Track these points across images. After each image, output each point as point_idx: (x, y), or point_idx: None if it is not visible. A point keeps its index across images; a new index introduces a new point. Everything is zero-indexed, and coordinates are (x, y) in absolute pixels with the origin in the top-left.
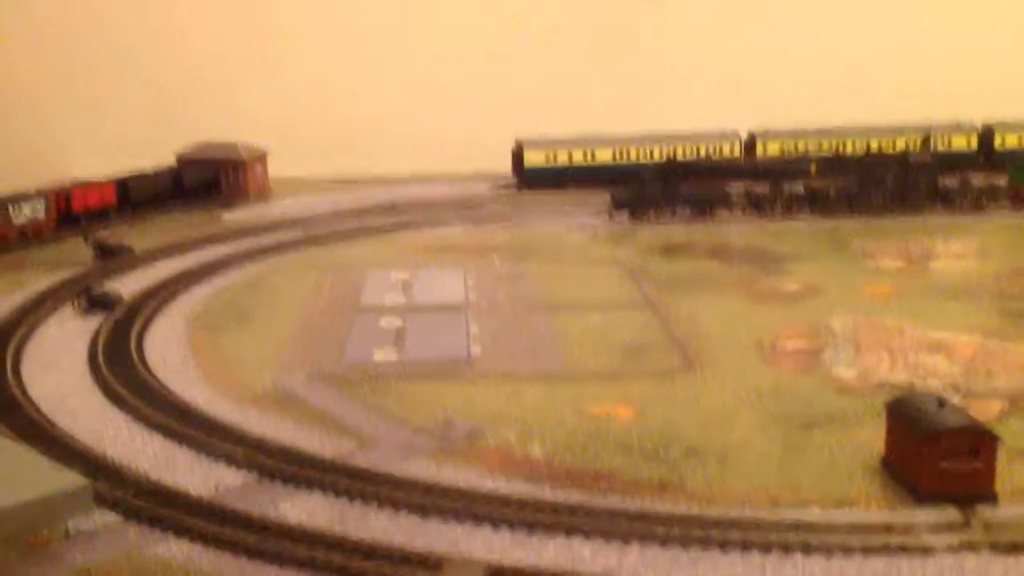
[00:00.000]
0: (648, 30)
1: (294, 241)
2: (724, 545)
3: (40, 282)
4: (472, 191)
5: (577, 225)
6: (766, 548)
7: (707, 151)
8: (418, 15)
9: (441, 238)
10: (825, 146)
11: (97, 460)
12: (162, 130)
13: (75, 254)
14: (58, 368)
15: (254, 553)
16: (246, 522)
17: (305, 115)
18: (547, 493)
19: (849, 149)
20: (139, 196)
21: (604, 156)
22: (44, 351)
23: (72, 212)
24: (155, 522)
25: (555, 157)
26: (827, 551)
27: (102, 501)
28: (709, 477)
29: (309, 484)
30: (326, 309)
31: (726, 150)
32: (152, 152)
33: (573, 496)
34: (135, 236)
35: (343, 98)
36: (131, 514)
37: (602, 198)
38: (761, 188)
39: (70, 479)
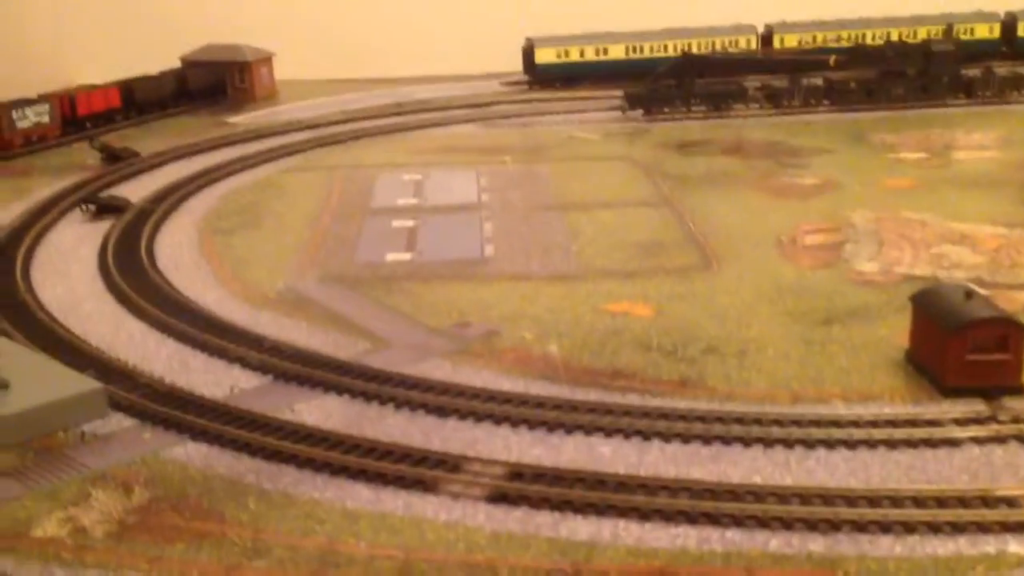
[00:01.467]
0: None
1: (302, 143)
2: (746, 440)
3: (47, 188)
4: (482, 90)
5: (590, 122)
6: (789, 443)
7: (723, 45)
8: None
9: (452, 138)
10: (845, 37)
11: (110, 364)
12: (167, 34)
13: (81, 159)
14: (68, 274)
15: (271, 454)
16: (262, 424)
17: (312, 16)
18: (565, 392)
19: (869, 40)
20: (144, 99)
21: (617, 52)
22: (53, 257)
23: (77, 116)
24: (170, 425)
25: (566, 54)
26: (850, 445)
27: (117, 405)
28: (729, 374)
29: (324, 385)
30: (337, 211)
31: (742, 44)
32: (157, 57)
33: (592, 394)
34: (141, 140)
35: None
36: (146, 417)
37: (615, 95)
38: (779, 81)
39: (84, 383)
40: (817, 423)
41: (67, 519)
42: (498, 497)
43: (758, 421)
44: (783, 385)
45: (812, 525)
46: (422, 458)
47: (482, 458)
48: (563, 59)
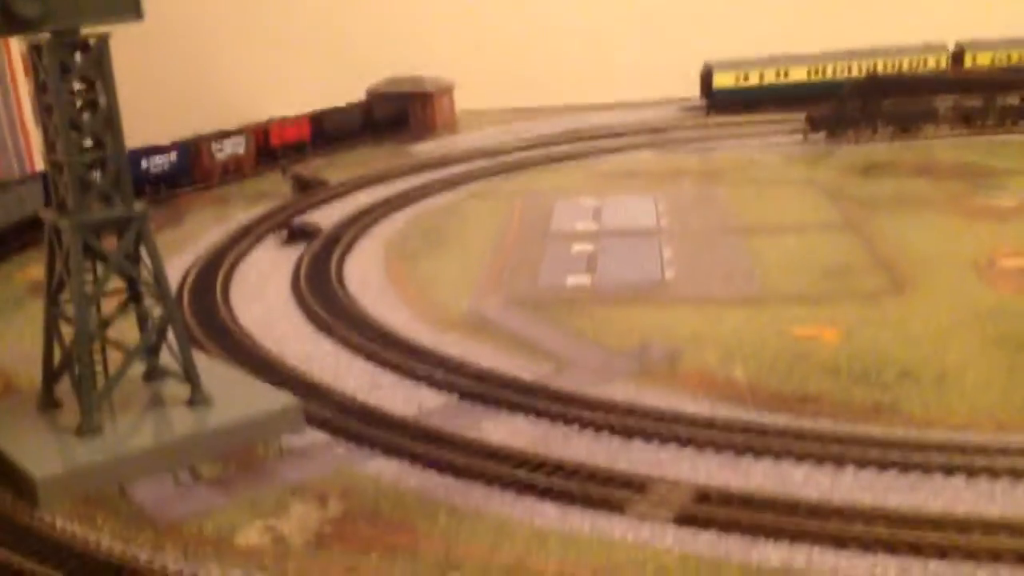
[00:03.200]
0: None
1: (482, 170)
2: (947, 469)
3: (243, 214)
4: (660, 116)
5: (770, 147)
6: (994, 472)
7: (911, 65)
8: None
9: (630, 164)
10: None
11: (305, 381)
12: (354, 67)
13: (274, 187)
14: (264, 296)
15: (460, 471)
16: (450, 441)
17: (491, 47)
18: (752, 415)
19: None
20: (332, 130)
21: (798, 75)
22: (250, 280)
23: (271, 147)
24: (363, 440)
25: (746, 77)
26: None
27: (312, 420)
28: (926, 400)
29: (510, 406)
30: (518, 236)
31: (931, 63)
32: (345, 89)
33: (780, 419)
34: (330, 169)
35: (528, 28)
36: (339, 432)
37: (797, 119)
38: (972, 101)
39: (282, 399)
40: None
41: (267, 528)
42: (686, 519)
43: (960, 449)
44: (986, 413)
45: (1021, 559)
46: (608, 478)
47: (669, 480)
48: (742, 83)
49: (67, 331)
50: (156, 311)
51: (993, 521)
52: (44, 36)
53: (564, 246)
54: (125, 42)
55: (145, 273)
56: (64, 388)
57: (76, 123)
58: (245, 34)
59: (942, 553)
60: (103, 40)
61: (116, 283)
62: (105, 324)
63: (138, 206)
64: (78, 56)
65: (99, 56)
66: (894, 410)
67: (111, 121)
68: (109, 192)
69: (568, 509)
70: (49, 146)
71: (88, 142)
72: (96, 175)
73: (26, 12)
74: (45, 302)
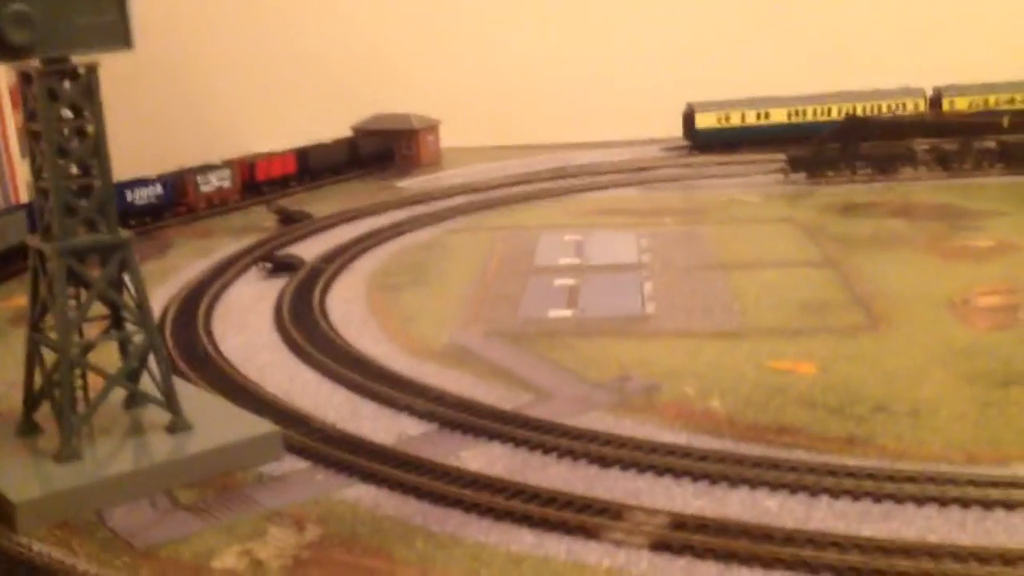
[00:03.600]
0: None
1: (467, 206)
2: (919, 500)
3: (227, 247)
4: (642, 155)
5: (751, 186)
6: (965, 503)
7: (889, 108)
8: None
9: (612, 201)
10: (1018, 99)
11: (286, 410)
12: (339, 103)
13: (258, 221)
14: (246, 326)
15: (438, 498)
16: (429, 468)
17: (475, 85)
18: (729, 446)
19: None
20: (318, 165)
21: (779, 116)
22: (233, 310)
23: (256, 181)
24: (342, 468)
25: (727, 119)
26: None
27: (291, 447)
28: (900, 433)
29: (488, 434)
30: (500, 270)
31: (910, 107)
32: (330, 125)
33: (756, 449)
34: (314, 203)
35: (511, 67)
36: (319, 460)
37: (777, 159)
38: (949, 144)
39: (262, 426)
40: (995, 484)
41: (244, 552)
42: (661, 546)
43: (932, 480)
44: (958, 446)
45: None
46: (585, 505)
47: (645, 507)
48: (724, 124)
49: (49, 357)
50: (138, 338)
51: (963, 549)
52: (34, 64)
53: (546, 280)
54: (114, 74)
55: (128, 300)
56: (44, 413)
57: (64, 149)
58: (233, 69)
59: None
60: (92, 69)
61: (99, 310)
62: (87, 349)
63: (123, 233)
64: (67, 84)
65: (88, 84)
66: (868, 442)
67: (98, 149)
68: (94, 218)
69: (544, 535)
70: (36, 172)
71: (75, 169)
72: (82, 202)
73: (16, 39)
74: (28, 327)
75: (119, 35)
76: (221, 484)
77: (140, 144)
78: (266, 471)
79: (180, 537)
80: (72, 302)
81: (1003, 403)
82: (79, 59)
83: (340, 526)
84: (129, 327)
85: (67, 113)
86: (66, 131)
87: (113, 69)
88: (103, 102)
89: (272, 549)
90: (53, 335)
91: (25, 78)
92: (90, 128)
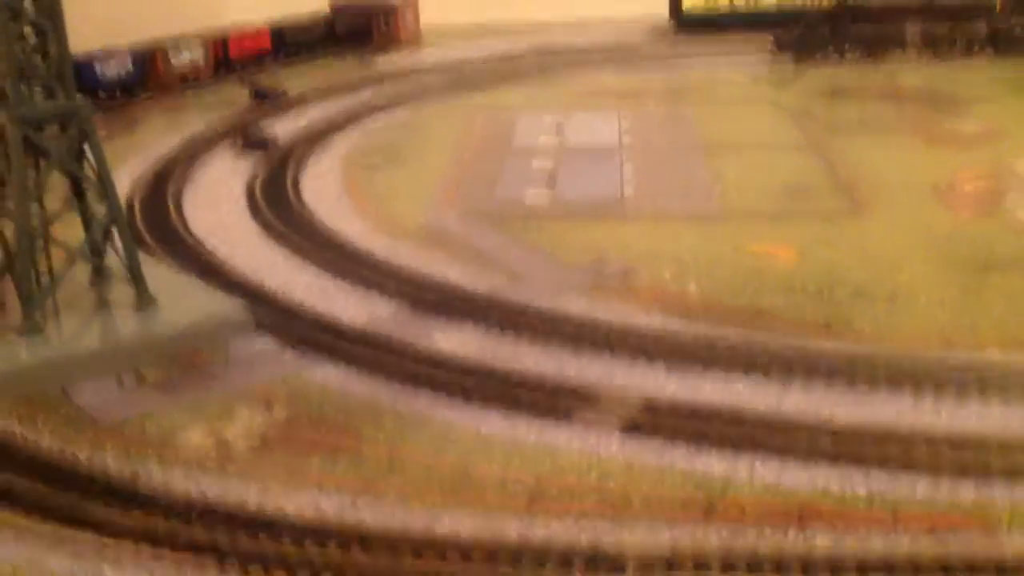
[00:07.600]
0: None
1: (445, 85)
2: (894, 384)
3: (199, 123)
4: (627, 36)
5: (737, 68)
6: (940, 388)
7: None
8: None
9: (595, 83)
10: None
11: (255, 289)
12: None
13: (231, 97)
14: (217, 204)
15: (407, 378)
16: (399, 349)
17: None
18: (704, 330)
19: None
20: (293, 42)
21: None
22: (204, 188)
23: (229, 57)
24: (310, 347)
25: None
26: (1005, 393)
27: (260, 326)
28: (878, 318)
29: (461, 316)
30: (478, 151)
31: None
32: (307, 1)
33: (731, 333)
34: (289, 80)
35: None
36: (287, 339)
37: (764, 41)
38: (940, 28)
39: (230, 305)
40: (971, 370)
41: (211, 431)
42: (632, 428)
43: (908, 365)
44: (936, 331)
45: (963, 472)
46: (556, 388)
47: (617, 390)
48: (711, 5)
49: (10, 231)
50: (101, 211)
51: (937, 435)
52: None
53: (525, 161)
54: None
55: (89, 172)
56: (8, 289)
57: (15, 10)
58: None
59: (883, 465)
60: None
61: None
62: (48, 222)
63: (81, 99)
64: None
65: None
66: (845, 327)
67: (53, 9)
68: (51, 84)
69: (514, 417)
70: None
71: (28, 31)
72: (38, 66)
73: None
74: None
75: None
76: (188, 362)
77: (108, 13)
78: (234, 350)
79: (146, 414)
80: (31, 173)
81: (982, 289)
82: None
83: (308, 406)
84: (91, 200)
85: None
86: None
87: None
88: None
89: (239, 428)
90: (12, 206)
91: None
92: None
